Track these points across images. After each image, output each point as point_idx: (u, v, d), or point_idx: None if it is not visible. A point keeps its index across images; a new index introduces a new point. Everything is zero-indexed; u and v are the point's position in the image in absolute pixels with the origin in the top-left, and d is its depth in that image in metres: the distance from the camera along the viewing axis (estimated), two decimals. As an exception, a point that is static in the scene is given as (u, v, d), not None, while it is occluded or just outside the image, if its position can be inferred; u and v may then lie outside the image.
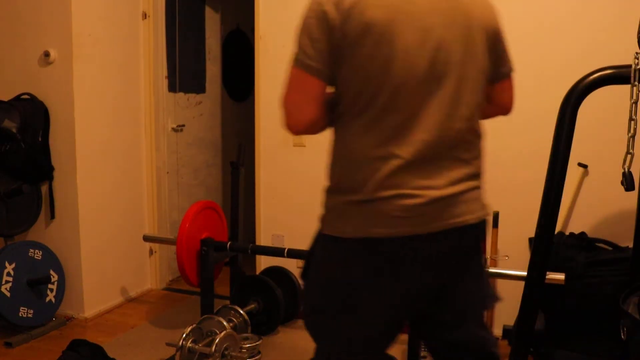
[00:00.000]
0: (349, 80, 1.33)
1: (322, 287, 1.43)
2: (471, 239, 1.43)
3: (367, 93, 1.31)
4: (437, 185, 1.33)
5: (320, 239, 1.43)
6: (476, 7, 1.38)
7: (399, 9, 1.30)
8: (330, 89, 1.38)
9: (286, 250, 2.75)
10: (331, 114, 1.38)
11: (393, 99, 1.30)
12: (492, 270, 2.38)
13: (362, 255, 1.33)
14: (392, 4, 1.30)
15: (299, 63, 1.32)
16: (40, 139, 3.03)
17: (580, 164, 2.75)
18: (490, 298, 1.57)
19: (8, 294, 2.81)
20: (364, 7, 1.28)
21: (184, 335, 2.32)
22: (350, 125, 1.35)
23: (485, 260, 2.37)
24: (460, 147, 1.37)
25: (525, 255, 2.65)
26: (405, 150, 1.31)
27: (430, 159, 1.33)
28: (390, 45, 1.28)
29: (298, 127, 1.36)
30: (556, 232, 2.56)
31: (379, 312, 1.37)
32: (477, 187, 1.43)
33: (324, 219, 1.41)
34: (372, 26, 1.28)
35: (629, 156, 1.62)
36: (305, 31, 1.32)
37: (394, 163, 1.31)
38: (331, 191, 1.41)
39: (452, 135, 1.35)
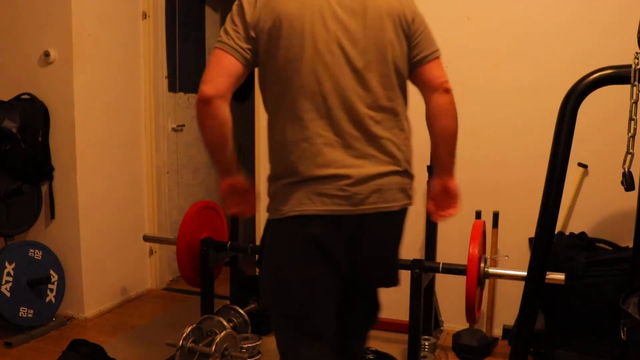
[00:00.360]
0: (268, 70, 1.51)
1: (270, 261, 1.59)
2: (390, 224, 1.61)
3: (283, 79, 1.48)
4: (362, 165, 1.50)
5: (268, 224, 1.60)
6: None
7: (308, 4, 1.46)
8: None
9: (286, 250, 2.75)
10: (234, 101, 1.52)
11: (306, 84, 1.46)
12: (492, 270, 2.37)
13: (298, 230, 1.50)
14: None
15: (220, 44, 1.49)
16: (40, 139, 3.03)
17: (580, 164, 2.75)
18: (391, 279, 1.77)
19: (8, 294, 2.81)
20: (276, 3, 1.46)
21: (184, 335, 2.32)
22: (277, 113, 1.53)
23: (489, 261, 2.37)
24: (380, 126, 1.52)
25: (525, 255, 2.65)
26: (324, 133, 1.48)
27: (350, 138, 1.49)
28: (301, 35, 1.45)
29: (208, 93, 1.45)
30: (556, 232, 2.56)
31: (315, 277, 1.54)
32: (399, 170, 1.57)
33: (269, 206, 1.57)
34: (284, 18, 1.45)
35: (629, 156, 1.62)
36: (228, 21, 1.51)
37: (318, 142, 1.47)
38: (271, 178, 1.57)
39: (366, 113, 1.50)
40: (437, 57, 1.64)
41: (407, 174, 1.62)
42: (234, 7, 1.52)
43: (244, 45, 1.48)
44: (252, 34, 1.48)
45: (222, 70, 1.48)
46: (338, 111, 1.48)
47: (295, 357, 1.61)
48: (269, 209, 1.57)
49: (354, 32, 1.48)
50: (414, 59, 1.60)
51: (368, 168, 1.50)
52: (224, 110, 1.48)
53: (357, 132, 1.50)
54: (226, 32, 1.50)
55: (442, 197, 1.83)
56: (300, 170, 1.49)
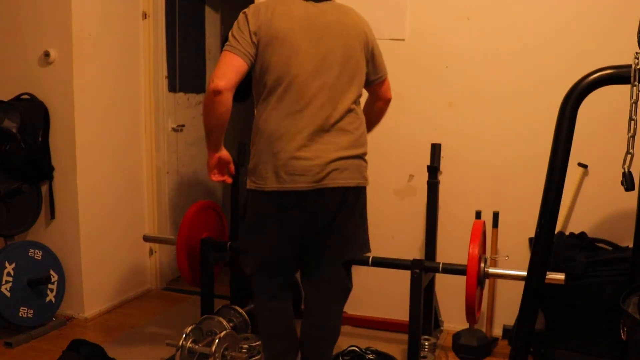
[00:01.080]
0: (261, 70, 1.93)
1: (249, 221, 2.08)
2: (342, 198, 1.99)
3: (273, 78, 1.91)
4: (326, 150, 1.93)
5: (249, 192, 2.04)
6: (355, 23, 2.03)
7: (297, 22, 1.92)
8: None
9: (286, 250, 2.75)
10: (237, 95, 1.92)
11: (291, 86, 1.90)
12: (492, 270, 2.38)
13: (270, 200, 1.97)
14: (292, 18, 1.92)
15: (230, 48, 1.90)
16: (40, 139, 3.03)
17: (580, 164, 2.75)
18: (353, 249, 2.16)
19: (8, 294, 2.81)
20: (272, 19, 1.90)
21: (184, 335, 2.32)
22: (267, 102, 1.95)
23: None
24: (343, 122, 1.96)
25: (525, 255, 2.64)
26: (299, 123, 1.90)
27: (321, 131, 1.92)
28: (290, 48, 1.90)
29: (221, 86, 1.85)
30: (556, 232, 2.56)
31: (277, 233, 2.02)
32: (357, 156, 2.01)
33: (249, 178, 2.01)
34: (278, 33, 1.90)
35: (629, 156, 1.62)
36: (235, 28, 1.93)
37: (294, 130, 1.90)
38: (252, 155, 1.99)
39: (335, 114, 1.94)
40: (386, 78, 2.19)
41: (362, 158, 2.05)
42: (241, 17, 1.94)
43: (250, 50, 1.91)
44: (255, 40, 1.90)
45: (233, 68, 1.88)
46: (315, 108, 1.92)
47: (258, 284, 2.15)
48: (249, 181, 2.02)
49: (332, 50, 1.94)
50: (373, 77, 2.12)
51: (330, 154, 1.93)
52: (230, 101, 1.90)
53: (327, 123, 1.93)
54: (235, 38, 1.91)
55: None
56: (278, 152, 1.91)
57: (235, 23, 1.94)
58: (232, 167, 2.18)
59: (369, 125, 2.17)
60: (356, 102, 2.03)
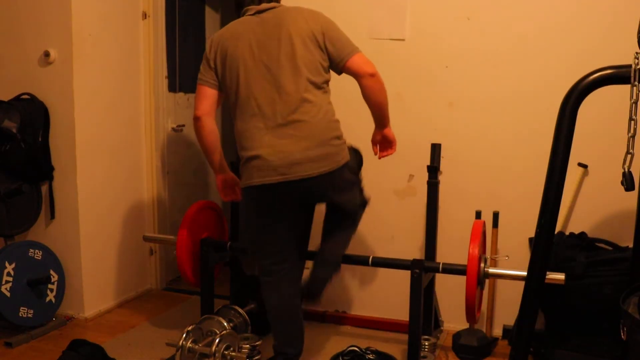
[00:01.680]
0: (225, 86, 2.24)
1: (243, 216, 2.49)
2: (311, 188, 2.18)
3: (233, 91, 2.22)
4: (286, 144, 2.11)
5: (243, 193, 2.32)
6: (293, 21, 2.17)
7: (236, 33, 2.21)
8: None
9: (286, 250, 2.76)
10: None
11: (245, 91, 2.18)
12: (492, 270, 2.38)
13: (251, 194, 2.24)
14: (233, 31, 2.23)
15: (199, 80, 2.28)
16: (40, 139, 3.03)
17: (580, 164, 2.75)
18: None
19: (8, 294, 2.81)
20: (221, 43, 2.23)
21: (184, 335, 2.32)
22: (235, 113, 2.24)
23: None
24: (297, 113, 2.12)
25: (525, 255, 2.65)
26: (256, 120, 2.16)
27: (277, 126, 2.13)
28: (237, 60, 2.19)
29: (196, 114, 2.27)
30: (556, 232, 2.56)
31: (265, 219, 2.31)
32: (315, 145, 2.12)
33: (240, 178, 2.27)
34: (227, 53, 2.21)
35: (629, 156, 1.62)
36: (204, 57, 2.28)
37: (255, 132, 2.15)
38: (239, 159, 2.24)
39: (287, 105, 2.13)
40: (355, 54, 2.20)
41: (325, 146, 2.15)
42: (208, 46, 2.28)
43: (211, 76, 2.27)
44: (212, 65, 2.26)
45: (202, 97, 2.28)
46: (265, 107, 2.15)
47: (258, 266, 2.42)
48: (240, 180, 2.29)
49: (268, 49, 2.16)
50: (337, 60, 2.20)
51: (290, 146, 2.11)
52: (210, 124, 2.29)
53: (281, 120, 2.13)
54: (201, 70, 2.28)
55: (383, 142, 2.45)
56: (246, 151, 2.18)
57: (206, 51, 2.29)
58: (239, 187, 2.42)
59: (374, 108, 2.28)
60: (311, 92, 2.15)
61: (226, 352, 2.32)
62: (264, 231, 2.34)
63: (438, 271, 2.46)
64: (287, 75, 2.13)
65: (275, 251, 2.36)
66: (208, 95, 2.26)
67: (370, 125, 2.40)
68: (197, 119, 2.27)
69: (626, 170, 1.61)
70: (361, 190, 2.53)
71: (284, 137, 2.12)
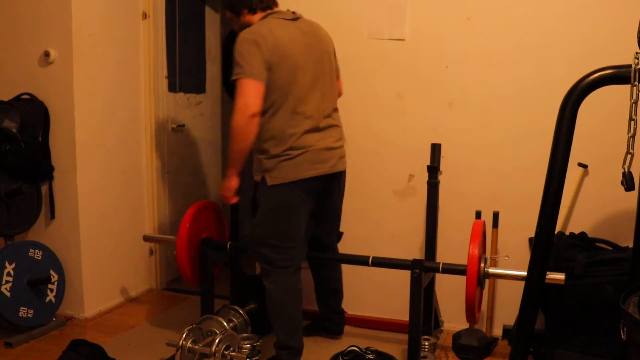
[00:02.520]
0: (274, 86, 2.28)
1: (271, 211, 2.41)
2: (339, 180, 2.56)
3: (283, 92, 2.30)
4: (329, 142, 2.42)
5: (265, 190, 2.38)
6: (325, 36, 2.52)
7: (285, 36, 2.32)
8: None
9: (286, 250, 2.76)
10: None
11: (298, 94, 2.33)
12: (492, 270, 2.38)
13: (296, 188, 2.36)
14: (281, 33, 2.31)
15: (248, 75, 2.22)
16: (40, 139, 3.03)
17: (580, 164, 2.75)
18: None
19: (8, 294, 2.82)
20: (275, 44, 2.27)
21: (184, 335, 2.32)
22: (277, 112, 2.32)
23: (490, 257, 2.38)
24: (331, 118, 2.46)
25: (525, 255, 2.65)
26: (307, 122, 2.35)
27: (319, 128, 2.39)
28: (295, 64, 2.31)
29: (254, 111, 2.22)
30: (556, 232, 2.56)
31: (301, 212, 2.45)
32: (342, 145, 2.54)
33: (266, 176, 2.36)
34: (284, 55, 2.28)
35: (629, 156, 1.62)
36: (245, 54, 2.23)
37: (304, 131, 2.34)
38: (269, 156, 2.34)
39: (326, 111, 2.43)
40: (339, 73, 2.65)
41: (344, 148, 2.55)
42: (249, 43, 2.24)
43: (265, 74, 2.25)
44: (268, 64, 2.25)
45: (257, 93, 2.24)
46: (314, 111, 2.37)
47: (269, 260, 2.45)
48: (266, 178, 2.36)
49: (318, 61, 2.41)
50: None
51: (332, 144, 2.43)
52: (257, 123, 2.28)
53: (324, 123, 2.40)
54: (249, 63, 2.22)
55: None
56: (292, 149, 2.32)
57: (242, 49, 2.24)
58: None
59: None
60: (335, 103, 2.53)
61: (226, 352, 2.32)
62: (294, 223, 2.42)
63: (438, 271, 2.46)
64: (327, 86, 2.44)
65: (298, 243, 2.46)
66: (262, 92, 2.25)
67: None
68: (254, 116, 2.23)
69: (626, 170, 1.61)
70: None
71: (326, 138, 2.41)
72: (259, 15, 2.41)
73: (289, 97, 2.30)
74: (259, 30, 2.29)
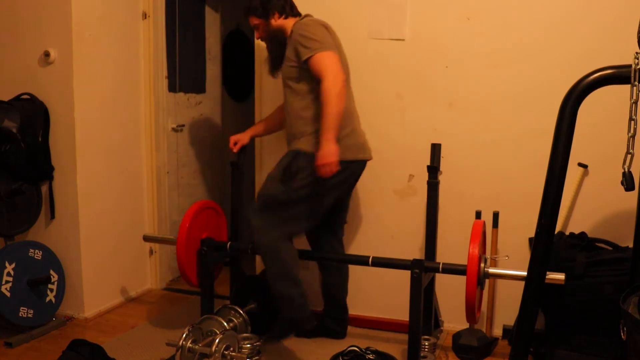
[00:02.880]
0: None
1: (307, 184, 2.49)
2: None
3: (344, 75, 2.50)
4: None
5: (307, 158, 2.48)
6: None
7: (337, 40, 2.61)
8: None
9: (286, 250, 2.76)
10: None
11: (348, 81, 2.58)
12: (492, 270, 2.38)
13: (350, 167, 2.56)
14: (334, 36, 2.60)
15: (329, 47, 2.46)
16: (40, 139, 3.03)
17: (580, 164, 2.75)
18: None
19: (8, 294, 2.82)
20: (333, 33, 2.57)
21: (184, 335, 2.32)
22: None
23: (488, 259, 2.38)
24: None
25: (525, 255, 2.65)
26: (354, 109, 2.67)
27: (356, 115, 2.68)
28: (343, 54, 2.60)
29: (344, 77, 2.42)
30: (556, 232, 2.56)
31: (337, 194, 2.64)
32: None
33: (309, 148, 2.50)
34: (337, 43, 2.58)
35: (629, 156, 1.62)
36: (320, 32, 2.48)
37: (357, 115, 2.67)
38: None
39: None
40: None
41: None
42: (318, 25, 2.52)
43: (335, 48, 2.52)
44: (334, 43, 2.53)
45: (338, 61, 2.45)
46: (352, 101, 2.68)
47: (278, 224, 2.56)
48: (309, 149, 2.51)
49: (345, 59, 2.64)
50: None
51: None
52: None
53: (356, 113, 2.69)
54: (326, 40, 2.47)
55: None
56: (355, 131, 2.62)
57: (313, 29, 2.48)
58: None
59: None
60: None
61: (226, 352, 2.32)
62: (326, 201, 2.58)
63: (438, 271, 2.46)
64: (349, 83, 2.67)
65: (317, 218, 2.62)
66: (340, 63, 2.47)
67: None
68: (345, 82, 2.43)
69: (626, 170, 1.61)
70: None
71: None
72: (292, 20, 2.61)
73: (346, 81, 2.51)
74: (319, 19, 2.58)
